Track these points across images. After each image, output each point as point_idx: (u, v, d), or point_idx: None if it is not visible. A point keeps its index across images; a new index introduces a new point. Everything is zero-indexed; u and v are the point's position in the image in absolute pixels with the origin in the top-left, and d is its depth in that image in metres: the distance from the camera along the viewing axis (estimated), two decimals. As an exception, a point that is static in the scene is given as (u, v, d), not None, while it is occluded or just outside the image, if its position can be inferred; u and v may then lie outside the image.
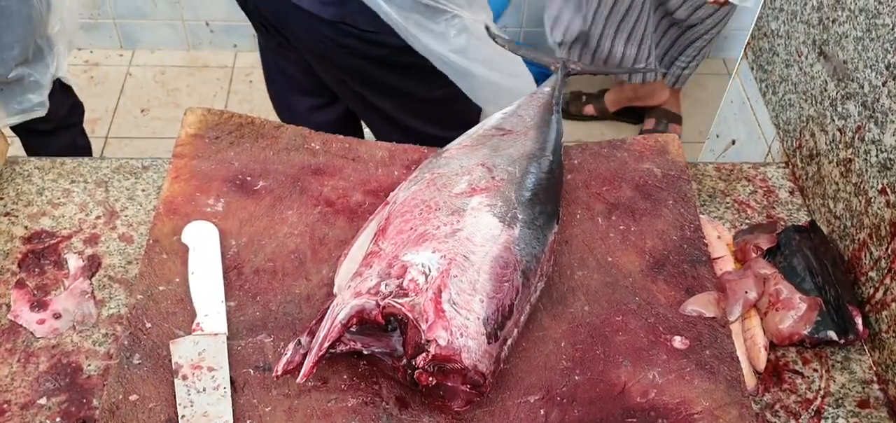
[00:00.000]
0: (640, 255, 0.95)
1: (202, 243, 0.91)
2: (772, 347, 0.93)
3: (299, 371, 0.75)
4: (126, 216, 1.01)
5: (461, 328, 0.75)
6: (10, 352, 0.86)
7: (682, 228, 0.99)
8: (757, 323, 0.93)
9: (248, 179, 1.00)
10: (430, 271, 0.79)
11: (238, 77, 2.91)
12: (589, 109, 2.81)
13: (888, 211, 0.93)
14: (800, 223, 1.06)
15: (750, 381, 0.89)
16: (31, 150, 1.90)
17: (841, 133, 1.04)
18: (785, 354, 0.93)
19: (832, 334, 0.91)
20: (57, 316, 0.90)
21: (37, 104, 1.69)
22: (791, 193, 1.13)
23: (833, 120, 1.06)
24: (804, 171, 1.13)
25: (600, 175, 1.05)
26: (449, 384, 0.76)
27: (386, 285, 0.78)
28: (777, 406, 0.88)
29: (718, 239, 1.01)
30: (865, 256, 0.97)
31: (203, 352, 0.82)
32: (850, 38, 1.02)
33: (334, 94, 1.60)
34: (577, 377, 0.83)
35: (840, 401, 0.89)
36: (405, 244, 0.82)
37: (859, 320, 0.93)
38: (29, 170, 1.06)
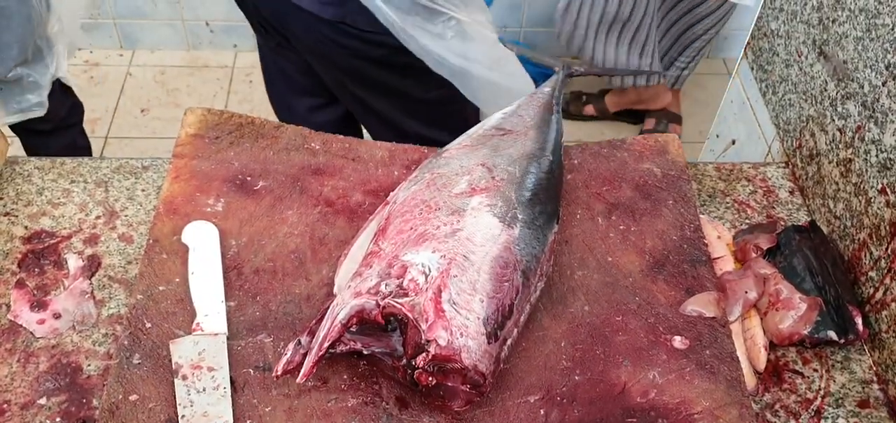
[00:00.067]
0: (640, 255, 0.95)
1: (202, 243, 0.91)
2: (772, 347, 0.93)
3: (299, 371, 0.75)
4: (126, 216, 1.01)
5: (461, 328, 0.75)
6: (10, 352, 0.86)
7: (682, 228, 0.99)
8: (757, 323, 0.93)
9: (248, 179, 1.00)
10: (430, 270, 0.79)
11: (238, 77, 2.91)
12: (589, 110, 2.81)
13: (888, 211, 0.93)
14: (800, 223, 1.06)
15: (750, 381, 0.89)
16: (31, 150, 1.90)
17: (841, 133, 1.04)
18: (785, 354, 0.93)
19: (832, 334, 0.91)
20: (57, 316, 0.90)
21: (35, 104, 1.69)
22: (791, 193, 1.13)
23: (833, 120, 1.06)
24: (804, 171, 1.13)
25: (600, 175, 1.05)
26: (449, 383, 0.76)
27: (386, 285, 0.78)
28: (777, 406, 0.88)
29: (718, 239, 1.01)
30: (865, 256, 0.97)
31: (203, 352, 0.82)
32: (850, 38, 1.02)
33: (334, 94, 1.60)
34: (577, 377, 0.83)
35: (840, 401, 0.89)
36: (405, 244, 0.82)
37: (859, 320, 0.93)
38: (29, 170, 1.06)
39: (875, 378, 0.92)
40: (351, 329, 0.77)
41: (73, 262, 0.95)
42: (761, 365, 0.91)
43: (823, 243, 1.00)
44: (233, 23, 2.89)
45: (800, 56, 1.16)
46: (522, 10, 2.86)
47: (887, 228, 0.93)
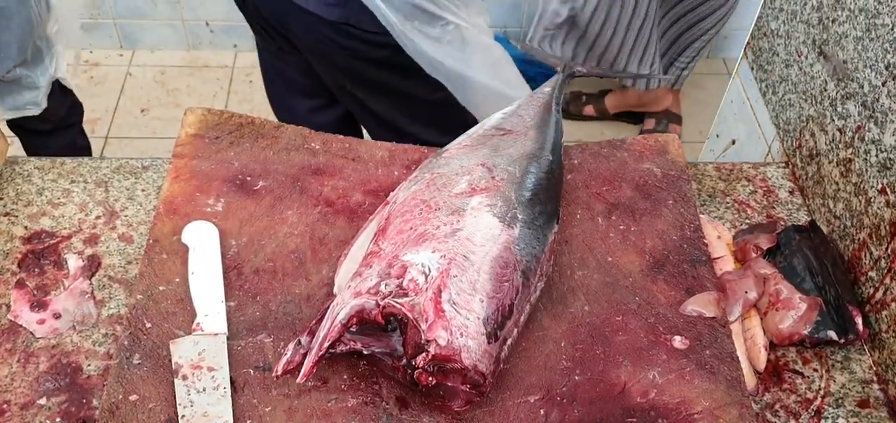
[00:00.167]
0: (640, 255, 0.95)
1: (202, 243, 0.91)
2: (772, 347, 0.93)
3: (299, 371, 0.75)
4: (126, 216, 1.01)
5: (461, 328, 0.75)
6: (10, 352, 0.86)
7: (682, 228, 0.99)
8: (757, 323, 0.93)
9: (248, 179, 1.00)
10: (429, 270, 0.79)
11: (238, 77, 2.91)
12: (589, 110, 2.81)
13: (888, 211, 0.93)
14: (800, 223, 1.06)
15: (750, 381, 0.89)
16: (31, 150, 1.90)
17: (841, 133, 1.04)
18: (785, 354, 0.93)
19: (832, 334, 0.91)
20: (57, 316, 0.90)
21: (29, 102, 1.69)
22: (791, 192, 1.13)
23: (833, 120, 1.06)
24: (804, 171, 1.13)
25: (600, 175, 1.05)
26: (449, 383, 0.76)
27: (386, 284, 0.78)
28: (777, 406, 0.88)
29: (718, 239, 1.01)
30: (865, 255, 0.97)
31: (203, 352, 0.82)
32: (850, 37, 1.02)
33: (331, 95, 1.60)
34: (577, 377, 0.83)
35: (840, 401, 0.89)
36: (405, 244, 0.83)
37: (859, 320, 0.93)
38: (29, 170, 1.06)
39: (875, 378, 0.92)
40: (351, 329, 0.77)
41: (73, 262, 0.95)
42: (761, 365, 0.91)
43: (823, 243, 1.00)
44: (233, 23, 2.89)
45: (800, 56, 1.16)
46: (522, 10, 2.86)
47: (887, 228, 0.93)
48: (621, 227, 0.98)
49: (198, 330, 0.84)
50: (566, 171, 1.04)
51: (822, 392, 0.90)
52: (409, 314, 0.75)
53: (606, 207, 1.00)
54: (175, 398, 0.78)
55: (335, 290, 0.87)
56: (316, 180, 1.01)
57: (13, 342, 0.87)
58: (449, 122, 1.40)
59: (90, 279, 0.94)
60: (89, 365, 0.86)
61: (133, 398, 0.79)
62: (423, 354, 0.74)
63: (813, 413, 0.88)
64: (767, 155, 1.26)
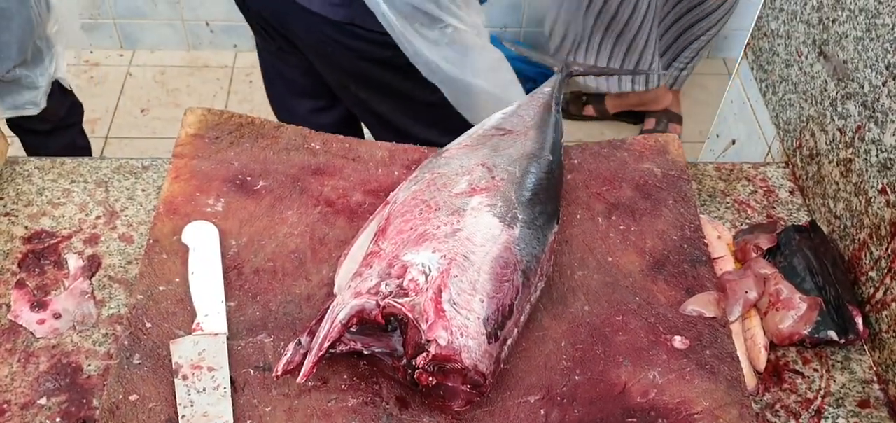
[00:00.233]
0: (641, 255, 0.95)
1: (202, 243, 0.91)
2: (772, 347, 0.93)
3: (299, 371, 0.75)
4: (126, 216, 1.01)
5: (461, 328, 0.75)
6: (10, 352, 0.86)
7: (683, 228, 0.98)
8: (757, 323, 0.93)
9: (248, 179, 1.00)
10: (430, 270, 0.79)
11: (238, 77, 2.91)
12: (589, 110, 2.81)
13: (888, 211, 0.93)
14: (800, 223, 1.06)
15: (750, 381, 0.89)
16: (30, 150, 1.90)
17: (841, 133, 1.04)
18: (785, 354, 0.93)
19: (832, 334, 0.91)
20: (57, 316, 0.90)
21: (28, 102, 1.69)
22: (791, 192, 1.13)
23: (833, 120, 1.06)
24: (804, 171, 1.13)
25: (600, 175, 1.05)
26: (449, 384, 0.76)
27: (386, 285, 0.78)
28: (777, 406, 0.88)
29: (718, 239, 1.01)
30: (865, 255, 0.97)
31: (203, 352, 0.82)
32: (850, 37, 1.02)
33: (334, 96, 1.60)
34: (577, 377, 0.83)
35: (840, 401, 0.89)
36: (405, 244, 0.82)
37: (859, 320, 0.93)
38: (29, 170, 1.06)
39: (875, 378, 0.92)
40: (351, 329, 0.77)
41: (74, 262, 0.95)
42: (761, 365, 0.91)
43: (823, 243, 1.00)
44: (233, 23, 2.89)
45: (800, 56, 1.16)
46: (522, 10, 2.86)
47: (887, 228, 0.93)
48: (621, 227, 0.98)
49: (198, 330, 0.84)
50: (566, 171, 1.04)
51: (822, 392, 0.90)
52: (410, 314, 0.75)
53: (606, 207, 1.00)
54: (175, 398, 0.78)
55: (335, 290, 0.87)
56: (316, 180, 1.01)
57: (13, 342, 0.87)
58: (452, 123, 1.40)
59: (90, 279, 0.94)
60: (89, 365, 0.86)
61: (133, 398, 0.79)
62: (424, 354, 0.74)
63: (813, 413, 0.88)
64: (767, 155, 1.26)
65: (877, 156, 0.95)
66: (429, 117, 1.48)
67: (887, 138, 0.94)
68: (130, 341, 0.83)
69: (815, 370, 0.92)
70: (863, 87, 0.99)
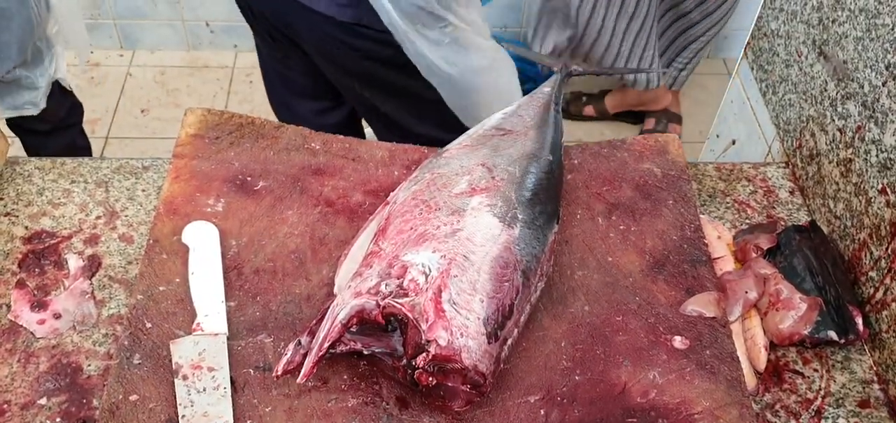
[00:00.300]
0: (641, 255, 0.95)
1: (202, 243, 0.91)
2: (772, 347, 0.93)
3: (299, 371, 0.75)
4: (126, 216, 1.01)
5: (461, 328, 0.75)
6: (11, 352, 0.86)
7: (683, 228, 0.99)
8: (757, 323, 0.93)
9: (249, 179, 1.00)
10: (430, 270, 0.79)
11: (238, 77, 2.91)
12: (589, 110, 2.81)
13: (888, 211, 0.93)
14: (800, 223, 1.06)
15: (750, 381, 0.89)
16: (31, 150, 1.90)
17: (841, 133, 1.04)
18: (785, 354, 0.93)
19: (832, 334, 0.91)
20: (57, 316, 0.90)
21: (28, 102, 1.69)
22: (791, 193, 1.13)
23: (833, 120, 1.06)
24: (804, 171, 1.13)
25: (600, 175, 1.05)
26: (449, 384, 0.76)
27: (386, 285, 0.78)
28: (777, 406, 0.88)
29: (718, 239, 1.01)
30: (865, 256, 0.97)
31: (203, 352, 0.82)
32: (850, 38, 1.02)
33: (337, 97, 1.60)
34: (577, 377, 0.83)
35: (840, 401, 0.89)
36: (405, 244, 0.82)
37: (859, 320, 0.93)
38: (29, 170, 1.06)
39: (875, 378, 0.92)
40: (351, 329, 0.77)
41: (74, 262, 0.95)
42: (761, 365, 0.91)
43: (824, 243, 1.00)
44: (233, 23, 2.89)
45: (800, 56, 1.16)
46: (522, 10, 2.86)
47: (887, 228, 0.93)
48: (621, 227, 0.98)
49: (198, 330, 0.84)
50: (566, 171, 1.04)
51: (822, 392, 0.90)
52: (410, 314, 0.75)
53: (606, 207, 1.00)
54: (175, 398, 0.78)
55: (335, 290, 0.87)
56: (316, 180, 1.01)
57: (13, 342, 0.87)
58: (458, 121, 1.40)
59: (90, 279, 0.94)
60: (89, 365, 0.86)
61: (133, 398, 0.79)
62: (424, 354, 0.74)
63: (813, 413, 0.88)
64: (767, 155, 1.26)
65: (877, 156, 0.96)
66: (435, 116, 1.48)
67: (887, 138, 0.94)
68: (130, 341, 0.83)
69: (816, 371, 0.92)
70: (863, 87, 0.99)
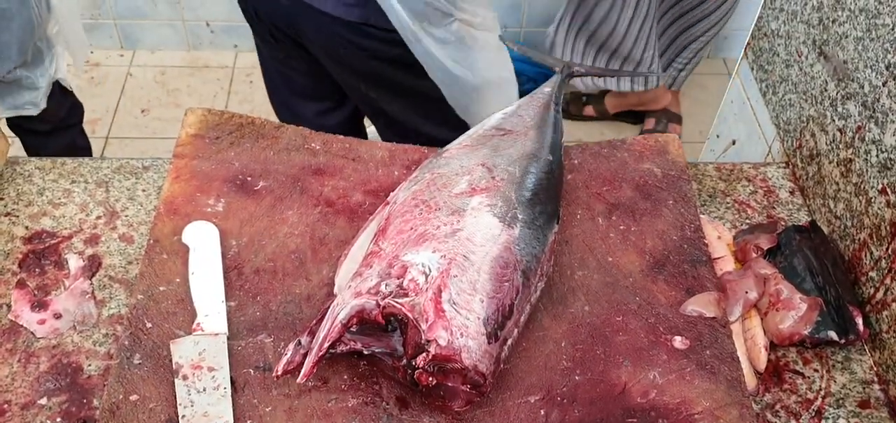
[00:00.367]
0: (641, 255, 0.95)
1: (202, 243, 0.91)
2: (772, 347, 0.93)
3: (299, 371, 0.75)
4: (126, 216, 1.01)
5: (461, 328, 0.75)
6: (11, 352, 0.86)
7: (683, 228, 0.99)
8: (757, 323, 0.93)
9: (249, 179, 1.00)
10: (430, 270, 0.79)
11: (238, 77, 2.91)
12: (589, 111, 2.81)
13: (888, 211, 0.93)
14: (800, 223, 1.06)
15: (750, 381, 0.89)
16: (31, 150, 1.90)
17: (841, 133, 1.04)
18: (785, 354, 0.93)
19: (833, 335, 0.91)
20: (57, 316, 0.90)
21: (28, 102, 1.69)
22: (791, 193, 1.13)
23: (833, 120, 1.06)
24: (804, 171, 1.13)
25: (600, 175, 1.05)
26: (449, 384, 0.76)
27: (386, 285, 0.78)
28: (777, 406, 0.88)
29: (719, 239, 1.01)
30: (866, 256, 0.97)
31: (203, 352, 0.82)
32: (851, 38, 1.02)
33: (339, 98, 1.60)
34: (577, 377, 0.83)
35: (841, 401, 0.89)
36: (405, 244, 0.83)
37: (860, 321, 0.93)
38: (29, 170, 1.06)
39: (876, 379, 0.92)
40: (351, 329, 0.77)
41: (74, 262, 0.95)
42: (762, 365, 0.91)
43: (824, 244, 1.00)
44: (233, 23, 2.89)
45: (800, 56, 1.16)
46: (522, 10, 2.86)
47: (888, 228, 0.93)
48: (621, 227, 0.98)
49: (198, 330, 0.84)
50: (566, 171, 1.04)
51: (822, 393, 0.90)
52: (410, 314, 0.75)
53: (606, 208, 1.00)
54: (175, 398, 0.78)
55: (335, 290, 0.87)
56: (316, 180, 1.01)
57: (14, 342, 0.87)
58: (461, 121, 1.40)
59: (91, 279, 0.94)
60: (90, 365, 0.86)
61: (133, 398, 0.79)
62: (424, 354, 0.74)
63: (813, 414, 0.88)
64: (768, 155, 1.26)
65: (877, 156, 0.96)
66: (439, 115, 1.48)
67: (887, 138, 0.94)
68: (131, 341, 0.83)
69: (816, 371, 0.92)
70: (863, 87, 0.99)
